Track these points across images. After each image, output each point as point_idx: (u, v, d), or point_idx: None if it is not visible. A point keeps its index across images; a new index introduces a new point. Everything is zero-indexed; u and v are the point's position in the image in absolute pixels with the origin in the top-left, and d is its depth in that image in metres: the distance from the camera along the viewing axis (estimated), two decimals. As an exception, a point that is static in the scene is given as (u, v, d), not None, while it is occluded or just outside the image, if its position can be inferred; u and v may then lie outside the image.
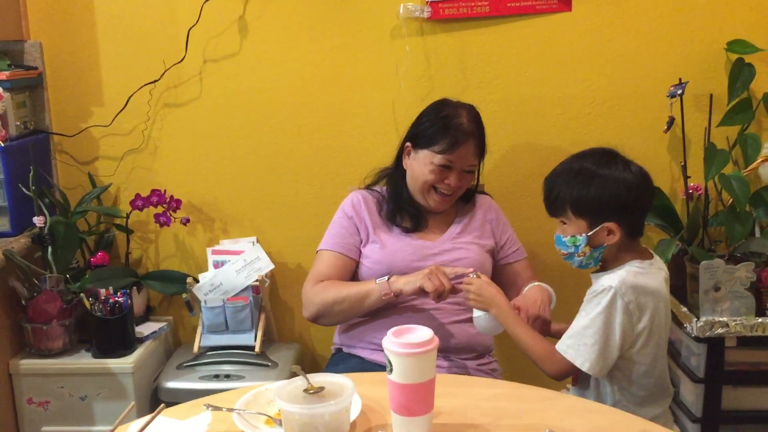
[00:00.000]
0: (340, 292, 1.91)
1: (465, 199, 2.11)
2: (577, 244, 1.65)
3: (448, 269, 1.84)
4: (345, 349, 2.02)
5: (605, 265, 1.70)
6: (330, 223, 2.08)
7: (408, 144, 2.03)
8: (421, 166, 1.97)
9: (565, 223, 1.68)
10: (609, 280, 1.62)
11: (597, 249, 1.65)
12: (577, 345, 1.62)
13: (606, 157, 1.67)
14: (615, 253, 1.67)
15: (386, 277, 1.88)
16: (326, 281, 1.96)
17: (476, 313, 1.79)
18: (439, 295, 1.79)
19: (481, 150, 2.00)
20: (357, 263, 2.02)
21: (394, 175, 2.09)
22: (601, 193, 1.61)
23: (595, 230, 1.63)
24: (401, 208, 2.04)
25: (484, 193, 2.20)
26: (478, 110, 2.01)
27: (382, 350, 1.81)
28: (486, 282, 1.78)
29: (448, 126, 1.93)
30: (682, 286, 2.18)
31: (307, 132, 2.47)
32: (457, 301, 1.90)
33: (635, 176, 1.63)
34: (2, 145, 2.22)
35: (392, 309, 1.93)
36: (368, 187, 2.14)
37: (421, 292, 1.81)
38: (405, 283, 1.84)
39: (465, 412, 1.38)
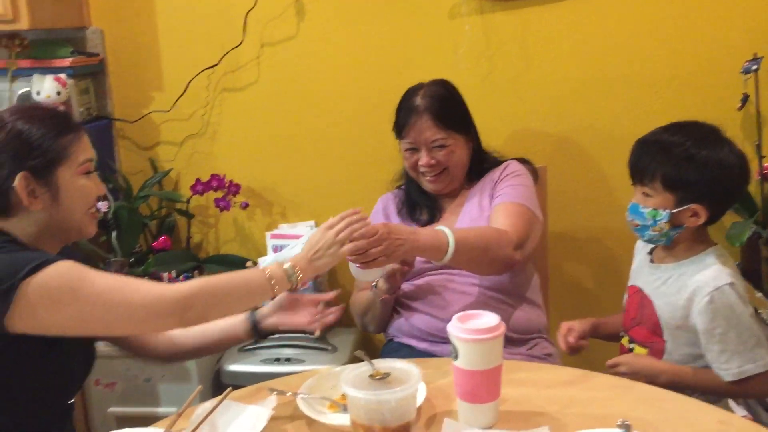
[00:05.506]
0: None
1: (478, 176, 1.99)
2: (657, 218, 1.56)
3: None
4: (396, 339, 2.00)
5: (672, 247, 1.61)
6: None
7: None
8: (403, 156, 1.97)
9: (648, 194, 1.57)
10: (719, 279, 1.52)
11: (675, 228, 1.57)
12: (751, 355, 1.51)
13: (712, 135, 1.57)
14: (691, 237, 1.59)
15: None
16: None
17: None
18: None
19: (443, 121, 1.88)
20: None
21: (405, 172, 2.04)
22: (702, 173, 1.52)
23: (681, 209, 1.55)
24: (416, 202, 2.01)
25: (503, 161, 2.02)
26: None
27: (429, 340, 1.79)
28: (633, 357, 1.64)
29: (400, 109, 1.94)
30: (757, 270, 2.10)
31: (364, 115, 2.45)
32: (499, 288, 1.83)
33: (738, 160, 1.54)
34: (67, 131, 2.26)
35: (431, 297, 1.86)
36: (397, 187, 2.09)
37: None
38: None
39: (531, 400, 1.36)
